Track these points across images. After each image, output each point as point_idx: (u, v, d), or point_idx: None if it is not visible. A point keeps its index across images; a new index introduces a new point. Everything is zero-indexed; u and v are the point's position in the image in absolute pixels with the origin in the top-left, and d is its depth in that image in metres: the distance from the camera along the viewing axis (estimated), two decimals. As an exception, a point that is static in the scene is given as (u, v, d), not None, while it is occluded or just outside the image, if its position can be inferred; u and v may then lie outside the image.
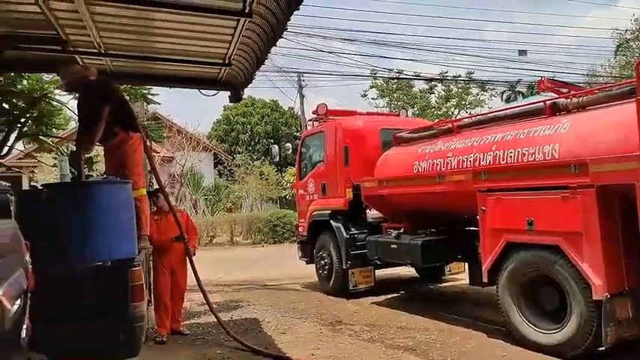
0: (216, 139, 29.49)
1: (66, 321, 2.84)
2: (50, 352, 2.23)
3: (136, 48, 4.89)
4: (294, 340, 5.45)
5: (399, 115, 9.48)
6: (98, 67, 4.95)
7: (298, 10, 3.51)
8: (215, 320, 5.67)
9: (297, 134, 19.42)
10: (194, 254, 5.64)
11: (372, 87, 28.42)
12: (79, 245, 3.12)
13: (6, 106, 6.20)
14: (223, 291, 8.71)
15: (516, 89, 27.05)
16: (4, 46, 4.38)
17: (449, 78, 27.18)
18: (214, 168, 25.81)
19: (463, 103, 28.34)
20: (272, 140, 26.82)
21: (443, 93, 28.66)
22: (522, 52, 24.32)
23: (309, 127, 9.45)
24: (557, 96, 5.35)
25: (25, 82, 6.35)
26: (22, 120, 6.52)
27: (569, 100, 4.99)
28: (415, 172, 6.41)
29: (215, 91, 6.05)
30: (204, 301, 5.61)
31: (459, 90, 28.17)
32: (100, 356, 3.14)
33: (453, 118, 19.13)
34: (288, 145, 11.19)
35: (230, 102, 6.65)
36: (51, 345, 2.29)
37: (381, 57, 48.01)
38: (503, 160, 5.16)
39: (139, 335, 3.29)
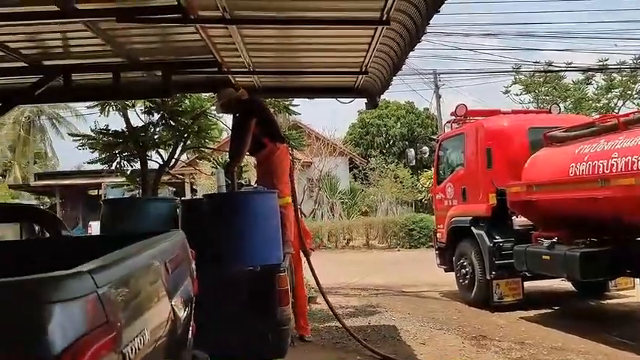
0: (351, 143, 30.09)
1: (222, 322, 3.12)
2: (209, 350, 2.45)
3: (279, 64, 5.25)
4: (435, 352, 5.25)
5: (550, 112, 8.62)
6: (247, 85, 5.39)
7: (438, 12, 3.38)
8: (356, 325, 5.73)
9: (434, 136, 18.90)
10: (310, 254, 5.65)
11: (515, 82, 26.39)
12: (234, 251, 3.42)
13: (173, 123, 7.12)
14: (360, 295, 8.78)
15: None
16: (173, 72, 5.01)
17: (610, 66, 23.86)
18: (349, 172, 26.36)
19: (629, 93, 24.70)
20: (407, 142, 26.51)
21: (603, 83, 25.32)
22: None
23: (447, 129, 9.11)
24: None
25: (187, 101, 7.24)
26: (186, 135, 7.42)
27: None
28: (571, 175, 5.75)
29: (351, 99, 6.18)
30: (342, 305, 5.69)
31: (624, 78, 24.61)
32: (250, 356, 3.39)
33: (618, 113, 16.89)
34: (425, 147, 10.94)
35: (366, 108, 6.76)
36: (210, 344, 2.51)
37: (526, 49, 44.23)
38: (687, 162, 4.37)
39: (285, 337, 3.48)
